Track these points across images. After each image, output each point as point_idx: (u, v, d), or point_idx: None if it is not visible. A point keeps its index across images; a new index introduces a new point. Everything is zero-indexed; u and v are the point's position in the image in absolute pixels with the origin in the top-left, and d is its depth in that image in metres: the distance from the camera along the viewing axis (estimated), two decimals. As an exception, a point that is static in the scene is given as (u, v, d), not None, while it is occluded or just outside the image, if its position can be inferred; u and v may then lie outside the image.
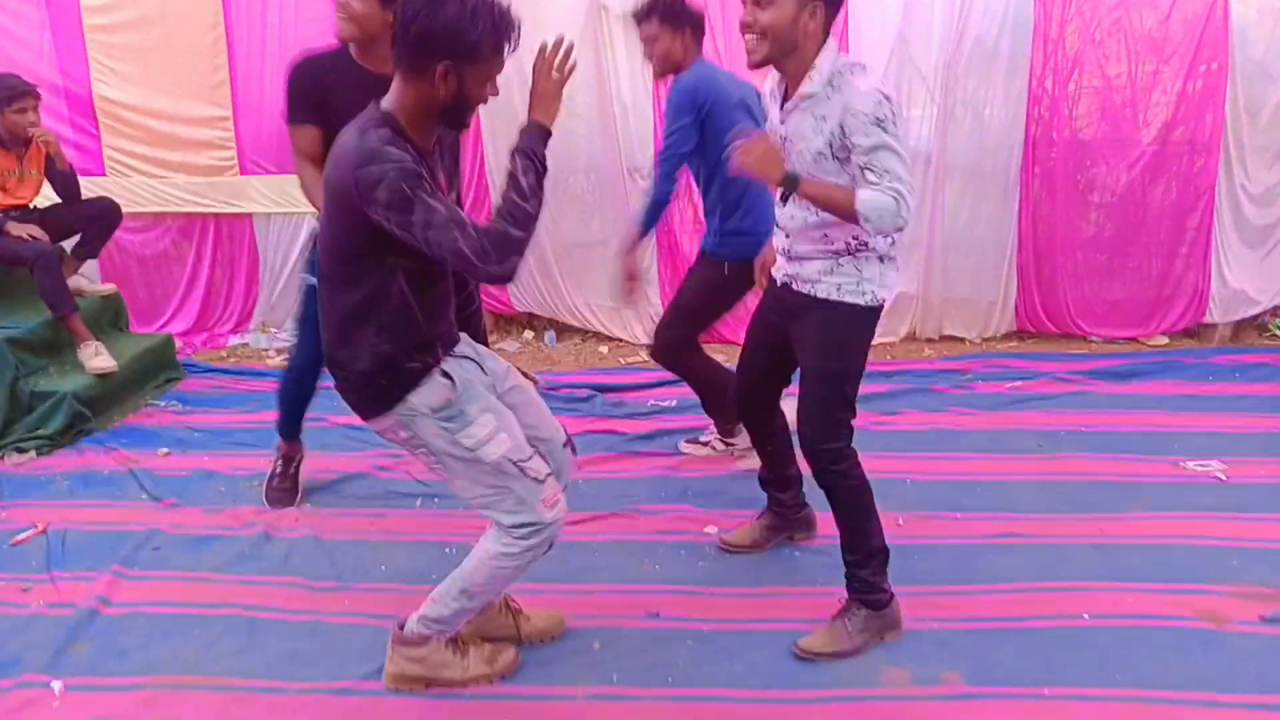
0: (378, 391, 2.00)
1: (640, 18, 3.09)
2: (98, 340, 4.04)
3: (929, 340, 4.80)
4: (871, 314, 2.30)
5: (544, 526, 2.03)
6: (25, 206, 4.19)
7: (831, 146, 2.12)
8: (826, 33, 2.16)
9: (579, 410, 3.97)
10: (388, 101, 1.90)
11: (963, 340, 4.77)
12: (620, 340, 4.88)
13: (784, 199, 2.27)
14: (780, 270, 2.42)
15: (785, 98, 2.24)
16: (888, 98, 2.07)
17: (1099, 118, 4.59)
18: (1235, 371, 4.24)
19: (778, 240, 2.40)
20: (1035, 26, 4.40)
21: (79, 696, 2.23)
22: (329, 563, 2.81)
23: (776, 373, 2.58)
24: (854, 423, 3.58)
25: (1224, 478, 3.21)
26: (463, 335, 2.19)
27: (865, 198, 2.07)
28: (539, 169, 1.89)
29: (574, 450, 2.32)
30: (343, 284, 1.97)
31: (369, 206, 1.79)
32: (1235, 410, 3.79)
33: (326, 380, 4.15)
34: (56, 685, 2.25)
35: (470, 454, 1.99)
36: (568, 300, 4.92)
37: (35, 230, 4.04)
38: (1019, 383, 4.13)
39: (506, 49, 1.86)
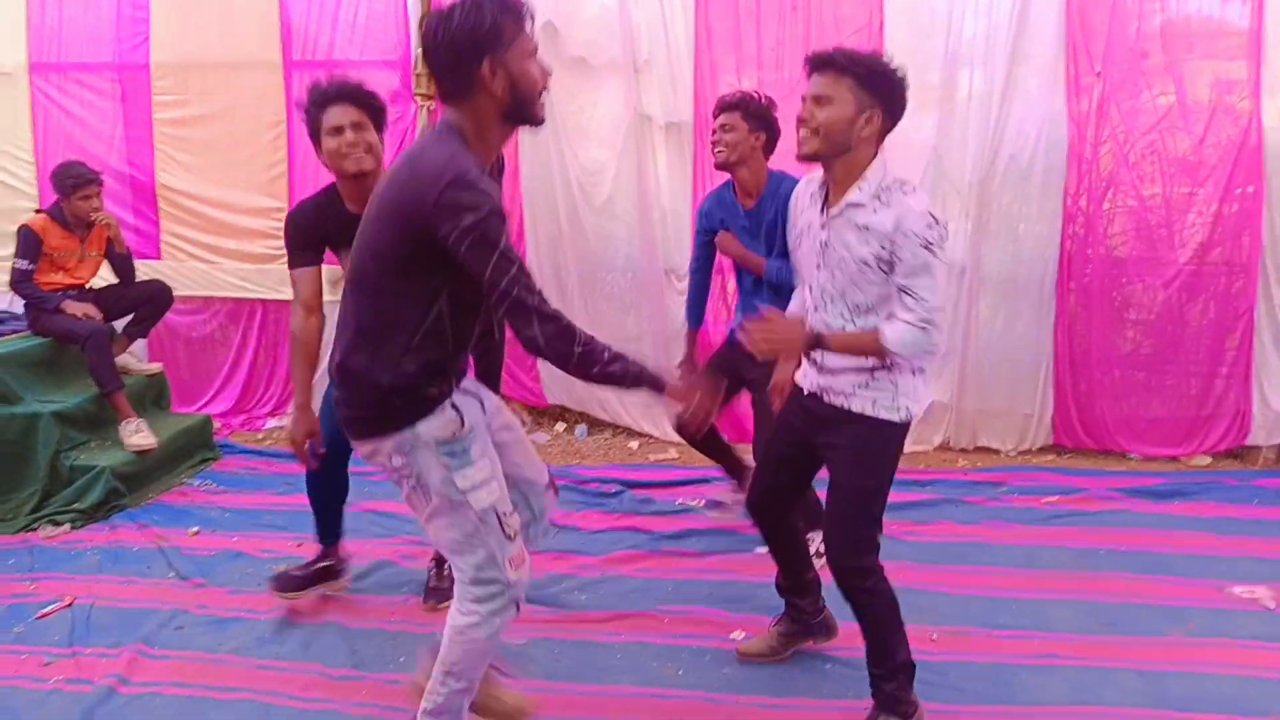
0: (389, 411, 1.92)
1: (726, 107, 3.17)
2: (140, 418, 4.12)
3: (963, 450, 4.74)
4: (904, 430, 2.29)
5: (507, 587, 1.99)
6: (82, 286, 4.35)
7: (879, 260, 2.15)
8: (879, 142, 2.21)
9: (606, 506, 3.95)
10: (454, 122, 1.88)
11: (997, 452, 4.71)
12: (650, 437, 4.87)
13: (810, 350, 2.25)
14: (809, 380, 2.38)
15: (825, 200, 2.26)
16: (937, 221, 2.11)
17: (1134, 236, 4.63)
18: (1281, 496, 4.13)
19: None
20: (1069, 147, 4.49)
21: (89, 777, 2.20)
22: (349, 651, 2.78)
23: (796, 482, 2.54)
24: (887, 533, 3.52)
25: (1273, 606, 3.09)
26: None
27: (892, 337, 2.13)
28: (623, 381, 1.90)
29: (556, 492, 2.30)
30: (379, 293, 1.89)
31: (443, 225, 1.74)
32: (1282, 536, 3.67)
33: (356, 465, 4.13)
34: (68, 764, 2.23)
35: (460, 495, 1.94)
36: (599, 394, 4.95)
37: (91, 309, 4.19)
38: (1055, 498, 4.05)
39: (527, 22, 1.86)
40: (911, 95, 4.48)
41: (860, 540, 2.28)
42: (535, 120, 1.92)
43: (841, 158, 2.18)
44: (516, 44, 1.83)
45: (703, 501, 3.92)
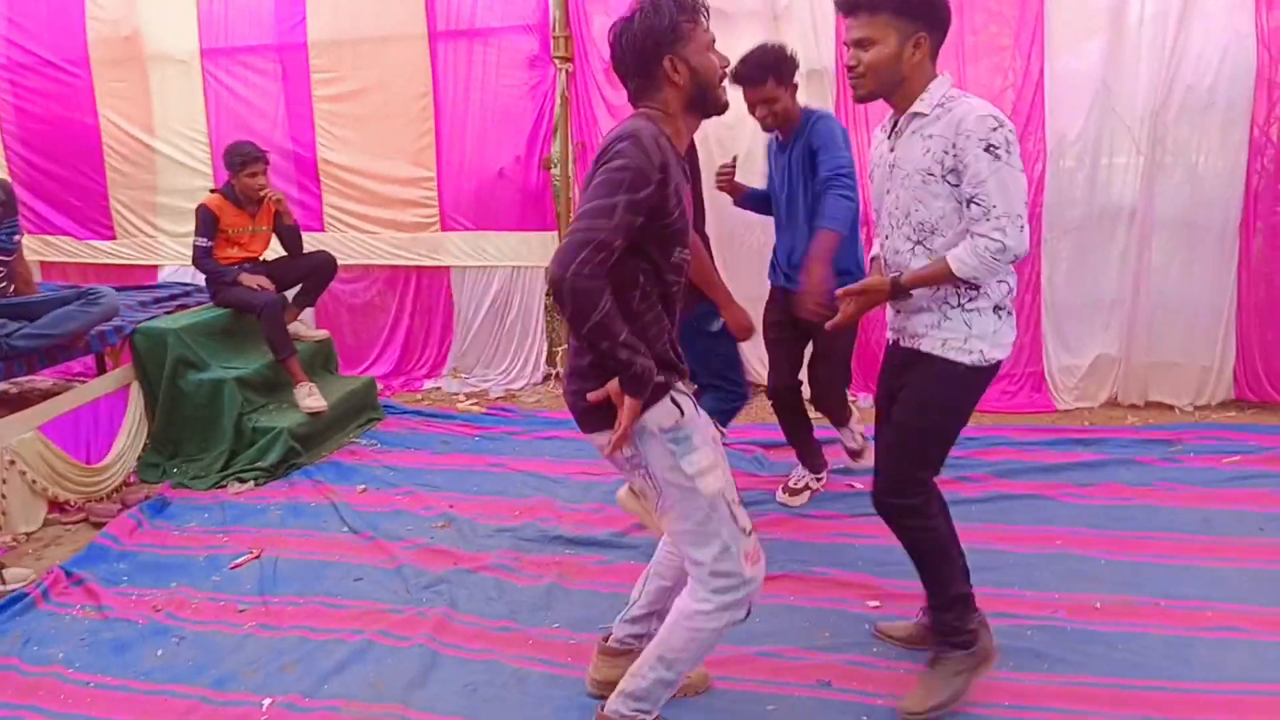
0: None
1: (755, 81, 3.14)
2: (311, 382, 4.42)
3: (1132, 406, 4.46)
4: (977, 375, 2.16)
5: (744, 582, 1.98)
6: (256, 259, 4.67)
7: (942, 165, 2.07)
8: (935, 58, 2.13)
9: (749, 467, 3.95)
10: (647, 113, 1.96)
11: (1172, 408, 4.41)
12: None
13: (894, 296, 2.19)
14: (891, 328, 2.34)
15: (894, 128, 2.22)
16: (1002, 123, 2.02)
17: (1335, 168, 4.18)
18: None
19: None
20: (1258, 72, 4.08)
21: (283, 714, 2.41)
22: (506, 604, 2.91)
23: None
24: (1047, 494, 3.34)
25: None
26: None
27: (954, 261, 2.05)
28: (620, 369, 1.83)
29: None
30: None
31: (596, 167, 1.84)
32: None
33: (494, 425, 4.32)
34: (265, 702, 2.45)
35: (689, 482, 1.94)
36: (741, 353, 4.91)
37: (265, 281, 4.49)
38: (1237, 457, 3.75)
39: (701, 17, 1.95)
40: (1076, 21, 4.27)
41: (907, 479, 2.20)
42: (718, 107, 1.99)
43: (899, 89, 2.13)
44: (693, 39, 1.93)
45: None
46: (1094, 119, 4.30)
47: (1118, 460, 3.79)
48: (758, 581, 2.01)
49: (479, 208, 5.18)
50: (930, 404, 2.19)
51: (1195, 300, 4.34)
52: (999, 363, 2.18)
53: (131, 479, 4.09)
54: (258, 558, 3.28)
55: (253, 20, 5.26)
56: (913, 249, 2.18)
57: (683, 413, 1.95)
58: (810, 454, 3.61)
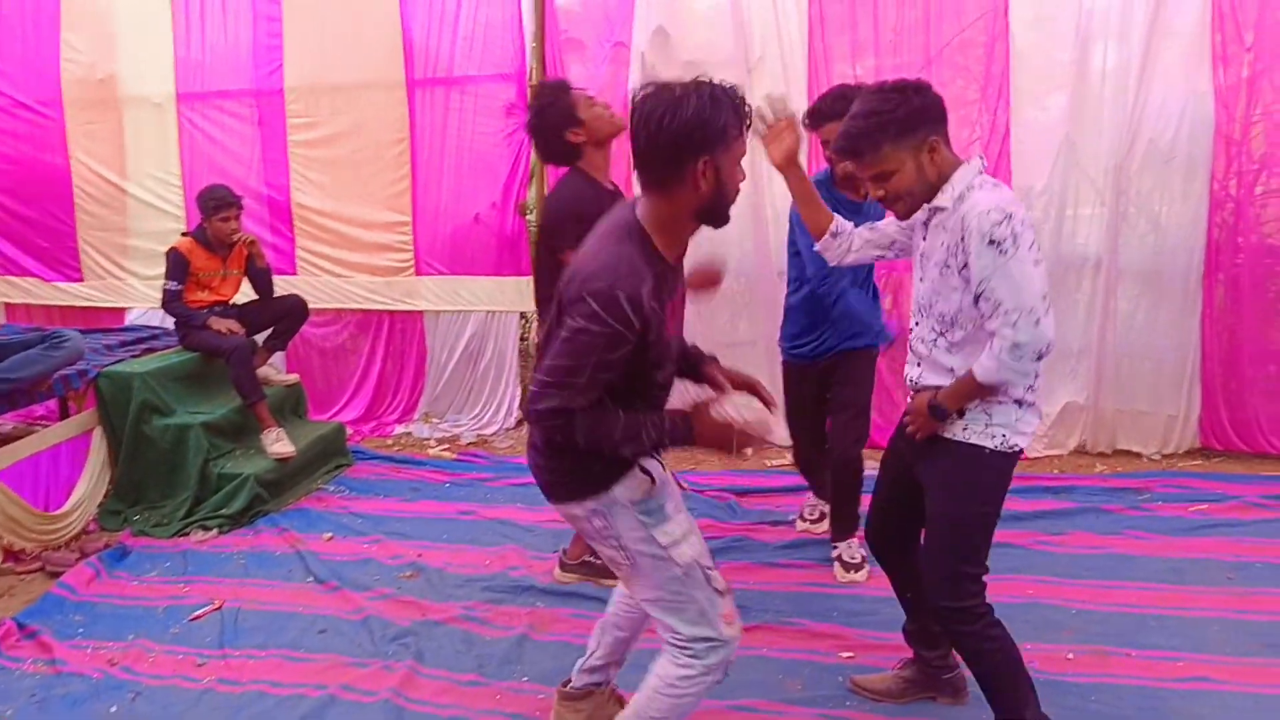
0: (586, 476, 1.92)
1: (835, 115, 2.89)
2: (279, 427, 4.35)
3: (1101, 454, 4.50)
4: (1002, 460, 2.12)
5: (722, 644, 1.96)
6: (226, 303, 4.62)
7: (957, 258, 2.05)
8: (949, 148, 2.11)
9: (720, 515, 3.93)
10: (642, 214, 1.85)
11: (1139, 456, 4.44)
12: (767, 443, 4.81)
13: (939, 416, 2.14)
14: (909, 410, 2.29)
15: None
16: (1009, 216, 1.97)
17: (1292, 222, 4.29)
18: None
19: (909, 370, 2.28)
20: (1216, 128, 4.20)
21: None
22: (474, 658, 2.86)
23: (908, 510, 2.35)
24: (1016, 543, 3.35)
25: None
26: None
27: (980, 372, 2.04)
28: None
29: None
30: None
31: (568, 311, 1.78)
32: None
33: (465, 471, 4.27)
34: (221, 762, 2.37)
35: (663, 552, 1.92)
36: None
37: (234, 325, 4.44)
38: (1205, 505, 3.79)
39: (746, 127, 1.83)
40: (1040, 76, 4.37)
41: (956, 577, 2.12)
42: (722, 222, 1.87)
43: (932, 192, 2.12)
44: (733, 149, 1.80)
45: (797, 516, 3.77)
46: (1059, 171, 4.39)
47: (1087, 508, 3.81)
48: (736, 641, 2.00)
49: (454, 252, 5.19)
50: (963, 493, 2.13)
51: (1161, 349, 4.41)
52: (1021, 450, 2.14)
53: (91, 526, 3.99)
54: (219, 609, 3.21)
55: (230, 65, 5.26)
56: (935, 339, 2.16)
57: (654, 481, 1.94)
58: (824, 482, 3.58)
